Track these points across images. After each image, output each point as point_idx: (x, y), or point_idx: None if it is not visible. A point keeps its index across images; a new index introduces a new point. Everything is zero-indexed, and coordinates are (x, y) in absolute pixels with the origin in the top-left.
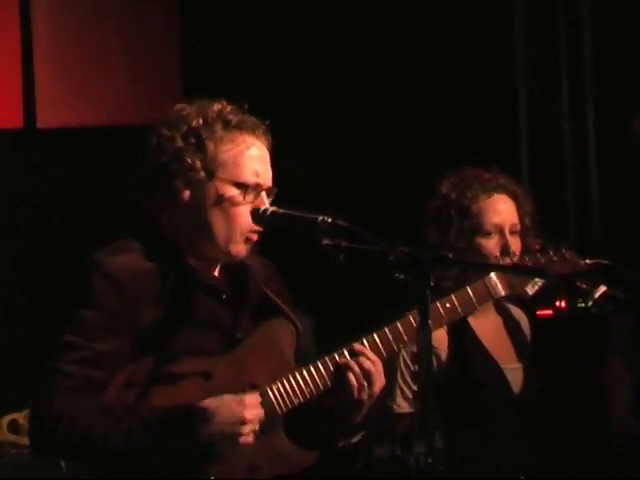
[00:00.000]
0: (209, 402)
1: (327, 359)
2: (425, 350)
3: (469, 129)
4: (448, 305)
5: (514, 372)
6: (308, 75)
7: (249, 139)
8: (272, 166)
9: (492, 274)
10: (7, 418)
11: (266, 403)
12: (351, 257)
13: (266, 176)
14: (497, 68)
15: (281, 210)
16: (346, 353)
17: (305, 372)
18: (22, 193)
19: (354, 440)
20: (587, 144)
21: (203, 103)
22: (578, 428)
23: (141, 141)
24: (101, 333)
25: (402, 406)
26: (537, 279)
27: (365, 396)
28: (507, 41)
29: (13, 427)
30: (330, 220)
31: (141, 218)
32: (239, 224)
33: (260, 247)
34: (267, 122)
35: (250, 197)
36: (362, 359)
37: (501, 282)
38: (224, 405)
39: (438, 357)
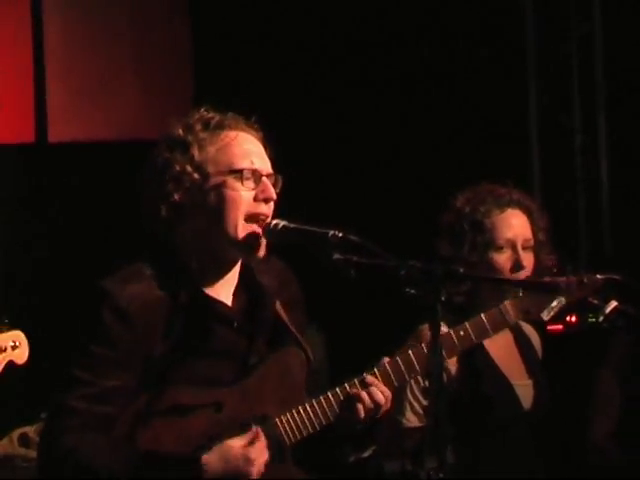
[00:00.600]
0: (214, 455)
1: (338, 390)
2: (436, 365)
3: (480, 141)
4: (462, 333)
5: (524, 388)
6: (321, 88)
7: (232, 133)
8: (281, 176)
9: (506, 301)
10: (18, 432)
11: (275, 434)
12: (362, 272)
13: (262, 163)
14: (508, 80)
15: (292, 225)
16: (357, 384)
17: (315, 403)
18: (33, 208)
19: (365, 455)
20: (599, 156)
21: (183, 116)
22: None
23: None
24: (111, 369)
25: (411, 420)
26: (554, 304)
27: (368, 421)
28: (518, 52)
29: (23, 440)
30: (341, 235)
31: (153, 240)
32: (244, 207)
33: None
34: (254, 118)
35: (250, 183)
36: (373, 390)
37: (515, 308)
38: (231, 459)
39: (447, 371)
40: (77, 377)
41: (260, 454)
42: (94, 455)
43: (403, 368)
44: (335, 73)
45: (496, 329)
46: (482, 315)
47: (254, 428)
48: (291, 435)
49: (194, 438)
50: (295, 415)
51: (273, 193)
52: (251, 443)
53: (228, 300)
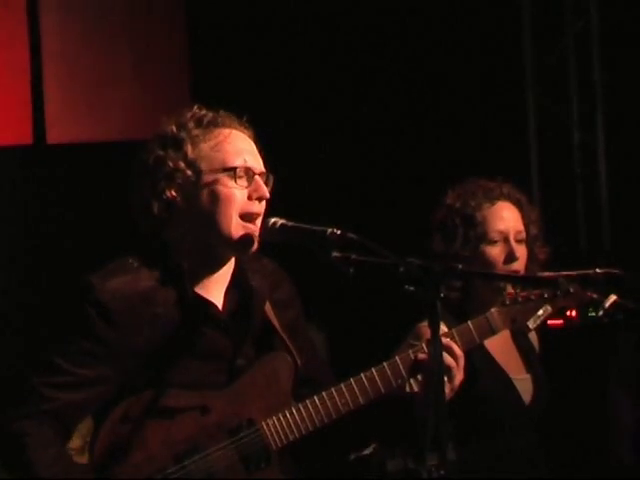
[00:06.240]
0: None
1: (324, 395)
2: (436, 361)
3: (478, 139)
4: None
5: (523, 383)
6: (317, 88)
7: (225, 130)
8: (274, 174)
9: (493, 309)
10: None
11: (261, 438)
12: (361, 269)
13: (255, 161)
14: (506, 76)
15: (290, 223)
16: (425, 348)
17: (302, 408)
18: (32, 210)
19: (365, 453)
20: (597, 152)
21: (175, 113)
22: (588, 437)
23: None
24: (88, 360)
25: None
26: (540, 313)
27: (447, 390)
28: (516, 49)
29: None
30: (339, 232)
31: (144, 237)
32: (237, 205)
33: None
34: (245, 117)
35: (243, 181)
36: (443, 354)
37: (502, 316)
38: None
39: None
40: (54, 364)
41: None
42: (36, 452)
43: (390, 374)
44: (331, 69)
45: (482, 337)
46: (469, 323)
47: None
48: (277, 439)
49: (180, 441)
50: (282, 419)
51: (266, 192)
52: None
53: (219, 300)
